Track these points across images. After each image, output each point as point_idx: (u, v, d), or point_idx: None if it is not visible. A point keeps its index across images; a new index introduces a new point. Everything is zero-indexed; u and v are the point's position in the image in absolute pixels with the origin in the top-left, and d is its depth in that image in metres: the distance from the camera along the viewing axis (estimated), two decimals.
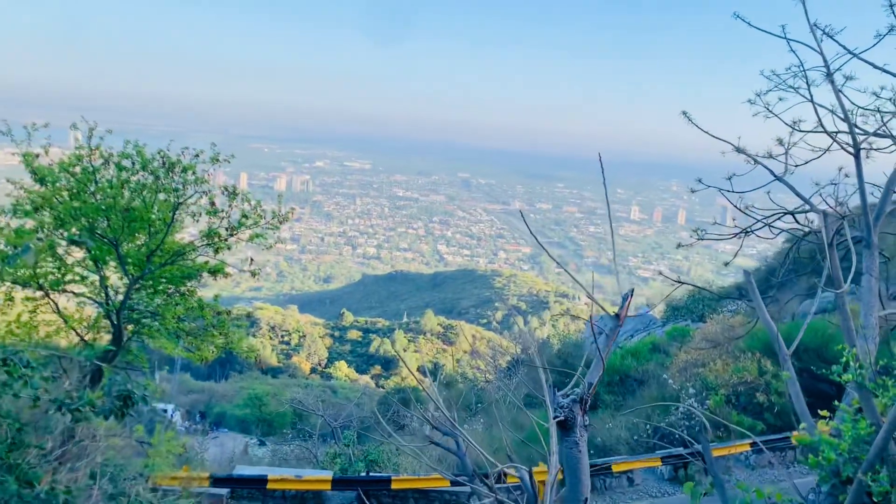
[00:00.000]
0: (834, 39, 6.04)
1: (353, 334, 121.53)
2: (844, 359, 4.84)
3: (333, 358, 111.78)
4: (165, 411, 52.28)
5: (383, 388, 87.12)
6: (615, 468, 19.26)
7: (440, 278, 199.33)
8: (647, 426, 23.65)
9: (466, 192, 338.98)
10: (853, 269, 6.52)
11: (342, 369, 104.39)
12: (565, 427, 3.31)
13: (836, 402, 5.25)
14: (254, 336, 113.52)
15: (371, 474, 18.74)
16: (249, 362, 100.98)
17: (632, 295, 3.32)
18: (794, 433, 5.46)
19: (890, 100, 7.20)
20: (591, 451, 22.89)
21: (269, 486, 17.76)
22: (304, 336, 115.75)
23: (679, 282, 8.51)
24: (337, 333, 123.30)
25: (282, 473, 18.58)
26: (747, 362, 24.78)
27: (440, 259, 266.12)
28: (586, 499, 3.50)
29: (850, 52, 6.15)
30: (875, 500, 4.48)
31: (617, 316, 3.33)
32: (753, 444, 20.18)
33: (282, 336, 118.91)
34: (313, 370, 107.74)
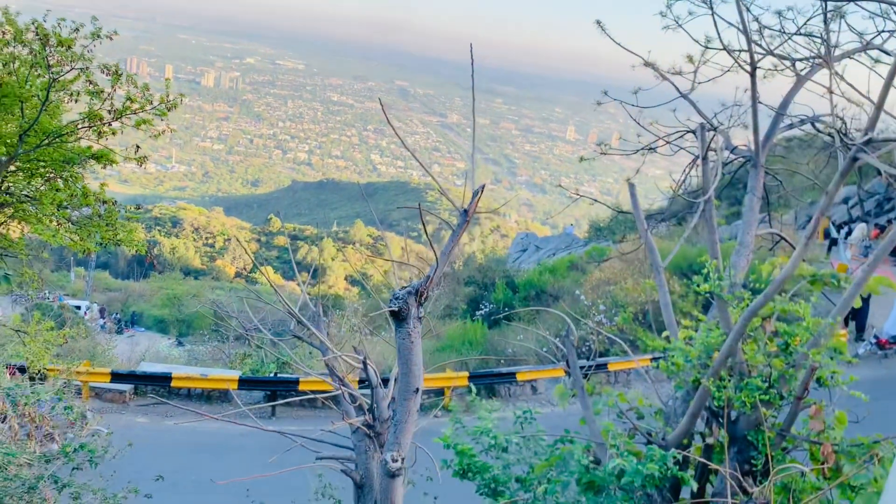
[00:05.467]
0: None
1: (281, 241, 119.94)
2: (705, 270, 4.93)
3: (259, 263, 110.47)
4: (79, 308, 50.85)
5: (309, 294, 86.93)
6: (520, 377, 19.93)
7: (372, 188, 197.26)
8: (557, 339, 24.47)
9: (404, 101, 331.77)
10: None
11: (268, 274, 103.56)
12: (399, 318, 3.23)
13: (698, 314, 5.39)
14: (176, 237, 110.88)
15: (279, 375, 18.81)
16: (171, 263, 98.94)
17: (482, 191, 3.19)
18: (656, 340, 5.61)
19: (793, 20, 7.16)
20: (501, 361, 23.63)
21: (174, 383, 17.62)
22: (230, 239, 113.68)
23: (577, 195, 8.53)
24: (263, 239, 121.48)
25: (188, 372, 18.44)
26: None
27: (373, 169, 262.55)
28: (418, 389, 3.48)
29: None
30: (716, 405, 4.69)
31: (465, 211, 3.20)
32: (653, 359, 21.23)
33: (206, 238, 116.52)
34: (238, 274, 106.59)
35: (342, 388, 4.32)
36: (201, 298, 56.47)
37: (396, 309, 3.15)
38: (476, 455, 5.82)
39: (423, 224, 2.91)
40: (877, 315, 21.42)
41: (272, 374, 19.06)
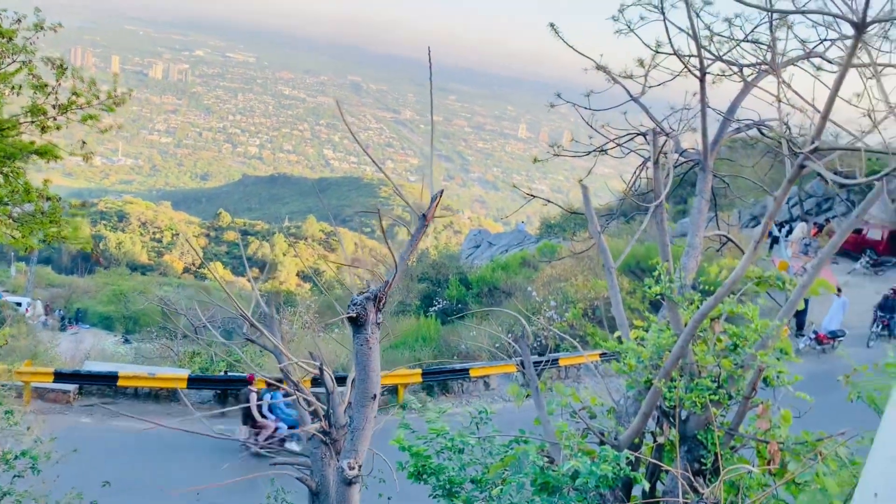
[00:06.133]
0: None
1: (231, 236, 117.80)
2: (656, 272, 5.04)
3: (208, 259, 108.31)
4: (19, 304, 49.09)
5: (260, 291, 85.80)
6: (473, 373, 20.02)
7: (325, 184, 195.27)
8: (509, 335, 24.69)
9: (356, 96, 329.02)
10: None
11: (217, 271, 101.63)
12: (357, 323, 3.22)
13: (645, 311, 5.51)
14: (122, 231, 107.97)
15: (230, 373, 18.51)
16: (117, 258, 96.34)
17: (440, 196, 3.18)
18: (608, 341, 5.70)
19: (741, 27, 7.35)
20: (455, 357, 23.69)
21: (121, 383, 17.18)
22: (178, 234, 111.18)
23: (531, 195, 8.59)
24: (213, 234, 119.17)
25: (135, 371, 17.99)
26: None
27: (326, 164, 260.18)
28: (375, 395, 3.47)
29: None
30: (667, 405, 4.80)
31: (424, 216, 3.20)
32: (602, 355, 21.60)
33: (153, 233, 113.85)
34: (186, 270, 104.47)
35: (297, 393, 4.26)
36: (148, 295, 55.09)
37: (354, 315, 3.13)
38: (431, 457, 5.82)
39: (382, 227, 2.89)
40: (815, 311, 22.24)
41: (222, 373, 18.74)
